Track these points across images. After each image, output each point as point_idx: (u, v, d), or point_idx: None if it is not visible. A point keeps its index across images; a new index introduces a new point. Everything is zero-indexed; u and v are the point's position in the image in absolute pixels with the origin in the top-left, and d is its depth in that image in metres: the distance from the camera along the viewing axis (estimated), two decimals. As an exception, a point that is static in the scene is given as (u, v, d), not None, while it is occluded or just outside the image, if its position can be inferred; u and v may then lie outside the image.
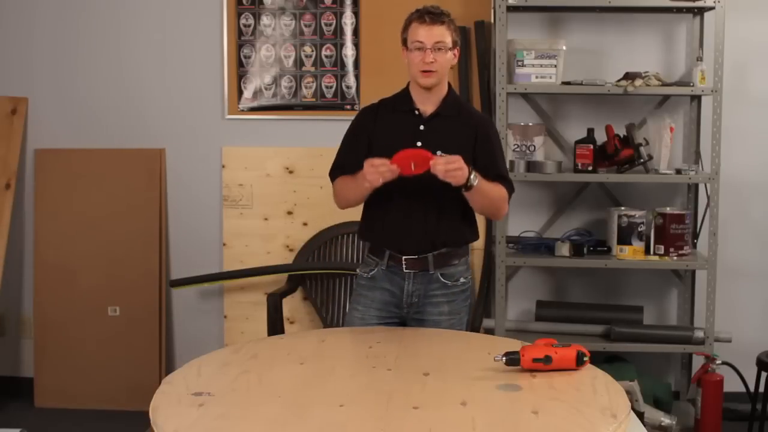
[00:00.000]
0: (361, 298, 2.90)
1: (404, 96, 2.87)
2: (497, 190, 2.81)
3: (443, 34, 2.75)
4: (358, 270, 2.98)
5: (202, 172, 4.31)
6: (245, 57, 4.24)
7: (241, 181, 4.27)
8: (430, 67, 2.74)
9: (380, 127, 2.84)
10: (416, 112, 2.82)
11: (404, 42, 2.81)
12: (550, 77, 3.85)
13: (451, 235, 2.84)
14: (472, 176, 2.66)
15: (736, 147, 4.06)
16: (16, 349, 4.46)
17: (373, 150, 2.77)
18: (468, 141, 2.80)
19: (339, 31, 4.20)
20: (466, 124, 2.83)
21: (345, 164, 2.86)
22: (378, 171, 2.63)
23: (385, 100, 2.93)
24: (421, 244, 2.82)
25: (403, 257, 2.82)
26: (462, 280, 2.90)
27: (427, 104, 2.82)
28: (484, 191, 2.74)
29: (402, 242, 2.83)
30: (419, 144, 2.75)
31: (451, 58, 2.79)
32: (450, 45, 2.76)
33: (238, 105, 4.26)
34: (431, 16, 2.75)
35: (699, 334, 3.87)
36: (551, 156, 4.06)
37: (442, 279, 2.85)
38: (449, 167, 2.62)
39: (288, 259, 4.26)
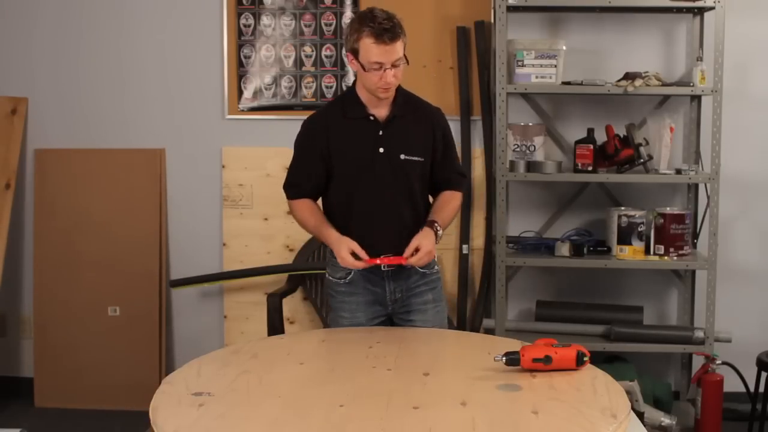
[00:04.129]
0: (344, 305, 2.87)
1: (353, 101, 2.78)
2: (452, 213, 2.87)
3: (400, 49, 2.65)
4: (327, 275, 2.92)
5: (202, 172, 4.31)
6: (245, 57, 4.24)
7: (241, 181, 4.27)
8: (391, 85, 2.68)
9: (336, 138, 2.77)
10: (371, 118, 2.76)
11: (354, 52, 2.67)
12: (550, 77, 3.85)
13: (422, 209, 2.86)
14: (438, 238, 2.74)
15: (736, 147, 4.06)
16: (16, 349, 4.46)
17: (333, 161, 2.75)
18: (427, 140, 2.80)
19: (339, 31, 4.20)
20: (423, 123, 2.81)
21: (299, 183, 2.85)
22: (350, 262, 2.68)
23: (331, 108, 2.85)
24: (395, 244, 2.77)
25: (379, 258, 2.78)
26: (436, 267, 2.92)
27: (379, 108, 2.77)
28: (446, 227, 2.83)
29: (377, 245, 2.76)
30: (381, 150, 2.73)
31: (405, 64, 2.71)
32: (404, 55, 2.67)
33: (238, 105, 4.26)
34: (389, 35, 2.60)
35: (699, 334, 3.87)
36: (551, 156, 4.06)
37: (420, 269, 2.85)
38: (422, 261, 2.71)
39: (288, 259, 4.26)
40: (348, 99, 2.81)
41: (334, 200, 2.85)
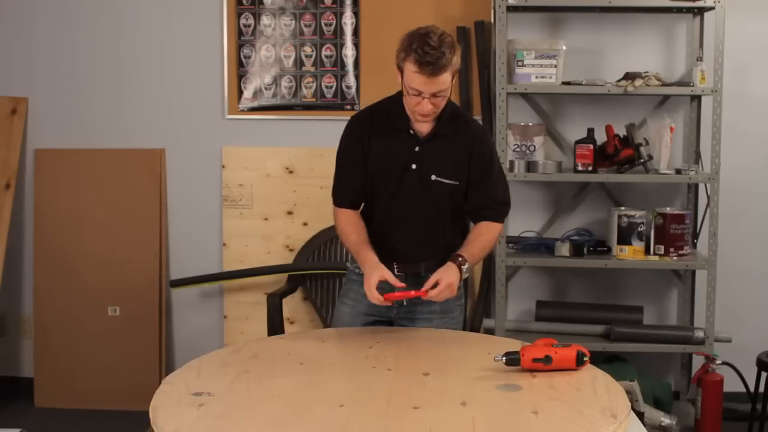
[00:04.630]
0: (351, 293, 2.85)
1: (398, 111, 2.67)
2: (484, 246, 2.72)
3: (444, 81, 2.51)
4: (348, 264, 2.91)
5: (202, 172, 4.31)
6: (245, 57, 4.24)
7: (241, 181, 4.27)
8: (429, 113, 2.58)
9: (374, 143, 2.70)
10: (411, 132, 2.67)
11: (399, 70, 2.57)
12: (550, 77, 3.85)
13: (446, 249, 2.73)
14: (464, 273, 2.61)
15: (736, 147, 4.06)
16: (16, 349, 4.46)
17: (368, 164, 2.70)
18: (463, 161, 2.69)
19: (339, 31, 4.20)
20: (461, 146, 2.69)
21: (344, 188, 2.77)
22: (372, 289, 2.57)
23: (378, 110, 2.74)
24: (415, 257, 2.77)
25: (395, 262, 2.76)
26: None
27: (422, 122, 2.66)
28: (477, 262, 2.72)
29: (397, 255, 2.76)
30: (413, 167, 2.66)
31: (450, 93, 2.58)
32: (450, 83, 2.54)
33: (238, 105, 4.26)
34: (432, 68, 2.46)
35: (699, 334, 3.87)
36: (551, 156, 4.06)
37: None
38: (443, 296, 2.58)
39: (288, 259, 4.26)
40: (395, 105, 2.68)
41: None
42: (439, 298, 2.60)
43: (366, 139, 2.71)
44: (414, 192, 2.69)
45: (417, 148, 2.68)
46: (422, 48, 2.46)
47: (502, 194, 2.78)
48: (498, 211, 2.78)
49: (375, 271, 2.60)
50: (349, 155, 2.76)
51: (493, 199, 2.76)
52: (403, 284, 2.61)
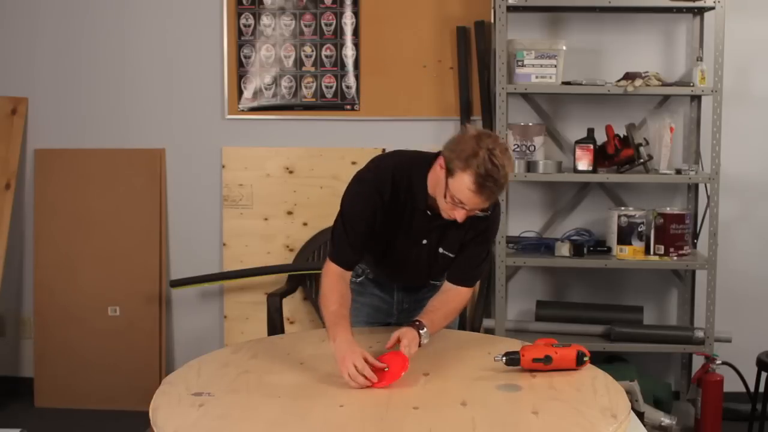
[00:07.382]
0: (351, 302, 2.82)
1: (420, 192, 2.49)
2: (450, 313, 2.60)
3: (487, 204, 2.37)
4: None
5: (202, 172, 4.31)
6: (245, 57, 4.24)
7: (241, 181, 4.27)
8: (462, 220, 2.39)
9: (389, 212, 2.52)
10: (429, 213, 2.51)
11: (449, 170, 2.31)
12: (550, 77, 3.85)
13: (443, 274, 2.70)
14: (422, 338, 2.44)
15: (737, 147, 4.06)
16: (16, 349, 4.46)
17: (377, 224, 2.54)
18: (469, 238, 2.58)
19: (339, 31, 4.20)
20: (474, 226, 2.53)
21: (351, 248, 2.55)
22: (354, 378, 2.25)
23: (398, 179, 2.49)
24: (413, 283, 2.81)
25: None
26: None
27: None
28: (437, 331, 2.55)
29: (394, 282, 2.80)
30: (424, 242, 2.58)
31: None
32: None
33: (238, 105, 4.26)
34: (487, 194, 2.28)
35: (699, 334, 3.87)
36: (551, 156, 4.06)
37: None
38: (412, 348, 2.37)
39: (288, 259, 4.26)
40: (416, 181, 2.48)
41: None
42: (410, 352, 2.35)
43: (380, 207, 2.53)
44: (420, 259, 2.63)
45: (431, 228, 2.57)
46: (486, 167, 2.23)
47: (479, 268, 2.66)
48: (471, 282, 2.66)
49: (353, 351, 2.32)
50: (358, 219, 2.54)
51: (466, 277, 2.64)
52: (382, 365, 2.31)
